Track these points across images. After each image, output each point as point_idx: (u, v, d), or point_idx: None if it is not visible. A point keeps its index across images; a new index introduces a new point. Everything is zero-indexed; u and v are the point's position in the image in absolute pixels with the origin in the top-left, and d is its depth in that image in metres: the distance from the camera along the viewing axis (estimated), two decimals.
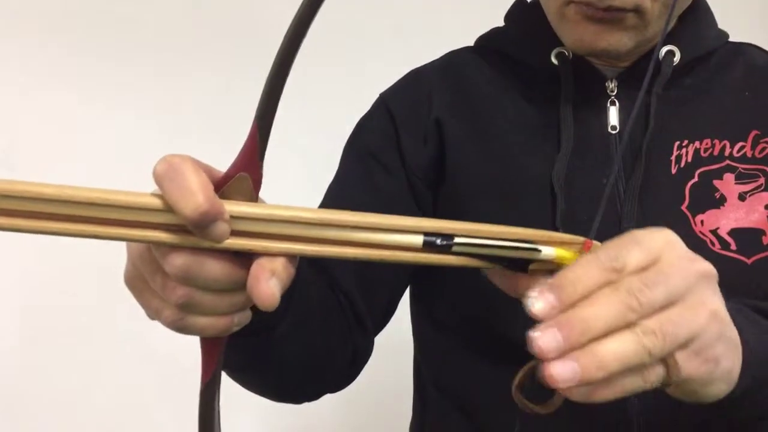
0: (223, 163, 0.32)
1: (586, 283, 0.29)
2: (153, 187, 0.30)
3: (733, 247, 0.47)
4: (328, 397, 0.54)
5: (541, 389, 0.30)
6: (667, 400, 0.35)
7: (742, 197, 0.49)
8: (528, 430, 0.48)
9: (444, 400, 0.55)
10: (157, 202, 0.29)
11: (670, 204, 0.49)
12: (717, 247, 0.48)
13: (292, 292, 0.37)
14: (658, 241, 0.32)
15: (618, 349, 0.28)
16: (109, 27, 1.11)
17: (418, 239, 0.32)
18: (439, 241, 0.32)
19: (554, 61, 0.53)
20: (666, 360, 0.29)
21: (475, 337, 0.52)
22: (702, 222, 0.48)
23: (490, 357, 0.51)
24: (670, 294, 0.30)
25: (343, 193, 0.55)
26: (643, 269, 0.30)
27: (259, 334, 0.40)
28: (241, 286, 0.31)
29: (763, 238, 0.48)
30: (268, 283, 0.30)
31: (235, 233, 0.30)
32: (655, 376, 0.30)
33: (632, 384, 0.29)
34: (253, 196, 0.31)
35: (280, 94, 0.30)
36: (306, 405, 0.53)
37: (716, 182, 0.49)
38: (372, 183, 0.54)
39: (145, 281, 0.32)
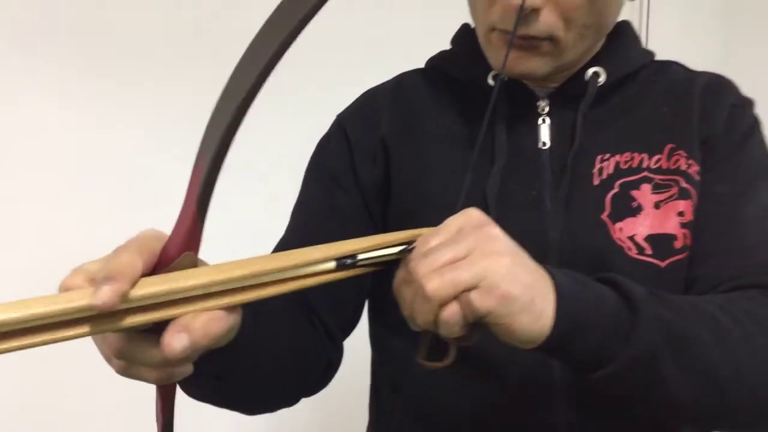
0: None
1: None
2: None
3: (648, 251, 0.52)
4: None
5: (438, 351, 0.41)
6: None
7: (657, 206, 0.54)
8: (462, 396, 0.54)
9: (398, 402, 0.60)
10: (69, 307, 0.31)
11: (591, 213, 0.53)
12: (633, 252, 0.52)
13: (245, 331, 0.41)
14: (457, 219, 0.41)
15: (431, 287, 0.38)
16: (90, 35, 1.15)
17: (332, 264, 0.37)
18: (348, 261, 0.37)
19: (490, 82, 0.58)
20: (459, 299, 0.38)
21: None
22: (621, 229, 0.53)
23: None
24: (458, 252, 0.39)
25: (306, 215, 0.61)
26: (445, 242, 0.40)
27: (216, 376, 0.45)
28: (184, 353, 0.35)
29: (675, 243, 0.53)
30: (173, 338, 0.33)
31: (154, 306, 0.34)
32: (450, 311, 0.38)
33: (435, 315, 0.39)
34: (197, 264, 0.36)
35: (216, 180, 0.34)
36: None
37: (634, 192, 0.54)
38: (331, 203, 0.60)
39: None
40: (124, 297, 0.32)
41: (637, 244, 0.53)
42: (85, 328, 0.32)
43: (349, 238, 0.43)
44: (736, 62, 1.53)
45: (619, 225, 0.53)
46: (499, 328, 0.39)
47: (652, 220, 0.53)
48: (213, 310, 0.35)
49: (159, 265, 0.34)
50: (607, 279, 0.44)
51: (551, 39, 0.51)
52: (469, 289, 0.38)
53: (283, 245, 0.59)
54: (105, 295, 0.31)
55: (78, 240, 1.03)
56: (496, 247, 0.39)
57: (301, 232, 0.59)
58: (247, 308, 0.39)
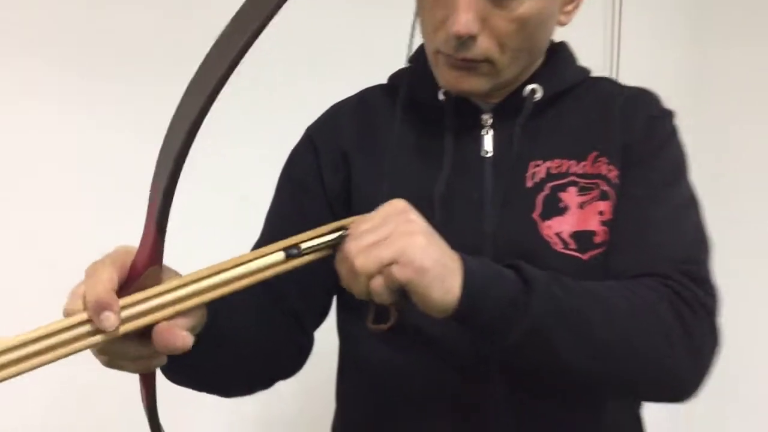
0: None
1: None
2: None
3: (572, 246, 0.60)
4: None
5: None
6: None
7: (581, 206, 0.61)
8: (412, 372, 0.62)
9: (361, 380, 0.68)
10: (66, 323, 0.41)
11: (524, 213, 0.61)
12: (559, 247, 0.60)
13: (212, 325, 0.50)
14: (383, 207, 0.50)
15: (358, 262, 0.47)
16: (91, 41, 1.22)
17: (281, 255, 0.45)
18: (294, 251, 0.45)
19: (441, 97, 0.66)
20: (383, 272, 0.46)
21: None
22: (549, 227, 0.61)
23: (394, 340, 0.64)
24: (381, 234, 0.47)
25: (277, 219, 0.69)
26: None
27: (190, 365, 0.53)
28: (147, 350, 0.44)
29: (596, 238, 0.61)
30: (181, 333, 0.44)
31: (137, 315, 0.43)
32: (376, 282, 0.47)
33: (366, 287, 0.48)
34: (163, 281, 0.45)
35: (171, 201, 0.42)
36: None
37: (561, 194, 0.62)
38: (300, 209, 0.68)
39: None
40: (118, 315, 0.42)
41: (562, 240, 0.60)
42: (86, 342, 0.41)
43: None
44: (705, 63, 1.61)
45: (547, 223, 0.61)
46: (416, 297, 0.48)
47: (577, 218, 0.61)
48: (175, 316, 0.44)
49: (130, 278, 0.43)
50: (512, 264, 0.52)
51: (488, 61, 0.59)
52: (390, 264, 0.46)
53: (256, 248, 0.67)
54: (110, 322, 0.41)
55: (81, 241, 1.12)
56: (413, 228, 0.48)
57: (273, 235, 0.67)
58: (215, 305, 0.47)
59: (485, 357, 0.59)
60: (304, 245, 0.48)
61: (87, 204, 1.20)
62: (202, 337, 0.48)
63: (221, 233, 1.09)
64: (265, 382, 0.66)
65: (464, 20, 0.56)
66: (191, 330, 0.46)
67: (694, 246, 0.60)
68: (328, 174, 0.67)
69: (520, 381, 0.59)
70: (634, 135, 0.63)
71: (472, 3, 0.56)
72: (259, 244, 0.67)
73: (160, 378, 0.53)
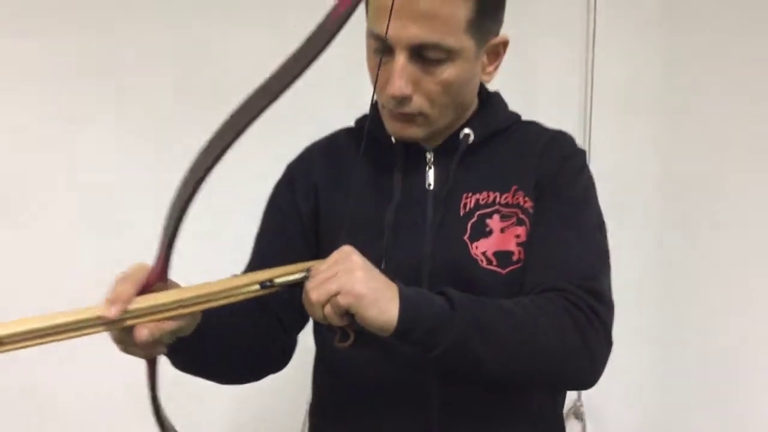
0: None
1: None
2: None
3: (494, 263, 0.74)
4: None
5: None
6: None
7: (502, 230, 0.76)
8: (367, 368, 0.76)
9: (329, 375, 0.84)
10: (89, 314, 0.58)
11: (457, 236, 0.76)
12: (484, 264, 0.75)
13: (202, 332, 0.66)
14: (335, 253, 0.65)
15: (312, 295, 0.63)
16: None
17: (256, 287, 0.62)
18: (268, 284, 0.62)
19: (393, 139, 0.80)
20: (331, 302, 0.61)
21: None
22: (477, 247, 0.75)
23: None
24: (330, 273, 0.63)
25: (263, 241, 0.85)
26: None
27: (191, 356, 0.71)
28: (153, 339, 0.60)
29: (513, 257, 0.75)
30: (139, 331, 0.59)
31: (138, 314, 0.58)
32: (330, 309, 0.62)
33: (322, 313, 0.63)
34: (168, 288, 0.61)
35: (176, 237, 0.57)
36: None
37: (488, 221, 0.76)
38: (281, 230, 0.84)
39: None
40: (123, 311, 0.58)
41: (487, 258, 0.75)
42: (100, 328, 0.58)
43: (295, 257, 0.67)
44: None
45: (475, 244, 0.75)
46: (358, 318, 0.62)
47: (498, 240, 0.75)
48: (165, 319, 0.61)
49: (145, 288, 0.60)
50: (441, 291, 0.66)
51: (422, 114, 0.74)
52: (335, 294, 0.61)
53: (249, 264, 0.83)
54: (112, 311, 0.57)
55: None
56: (353, 266, 0.63)
57: (260, 253, 0.84)
58: (210, 311, 0.63)
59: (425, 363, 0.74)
60: (277, 281, 0.64)
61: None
62: (196, 335, 0.64)
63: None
64: (255, 375, 0.82)
65: (398, 85, 0.71)
66: (178, 331, 0.62)
67: (594, 265, 0.74)
68: (301, 202, 0.82)
69: (451, 379, 0.74)
70: (547, 172, 0.77)
71: (406, 70, 0.70)
72: (250, 261, 0.83)
73: None
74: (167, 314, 0.60)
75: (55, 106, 1.38)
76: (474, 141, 0.79)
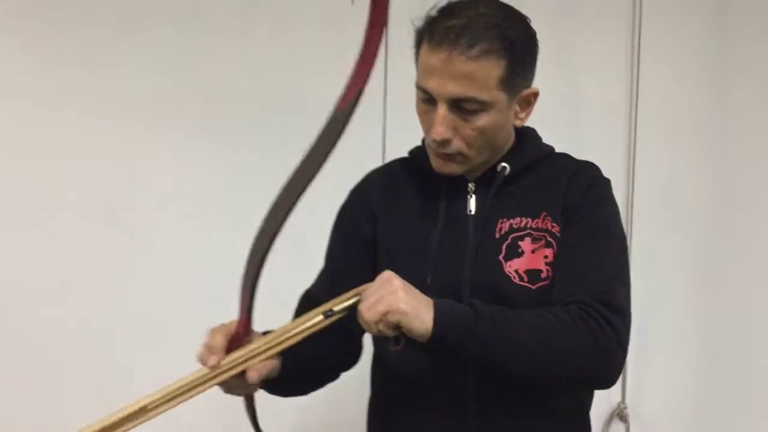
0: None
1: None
2: None
3: (525, 280, 0.86)
4: None
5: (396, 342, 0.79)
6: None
7: (533, 251, 0.87)
8: (416, 367, 0.89)
9: (385, 373, 0.97)
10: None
11: (492, 256, 0.88)
12: (516, 280, 0.86)
13: (287, 364, 0.82)
14: (378, 279, 0.78)
15: (366, 316, 0.76)
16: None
17: (321, 317, 0.77)
18: (329, 313, 0.77)
19: None
20: (382, 319, 0.75)
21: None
22: (510, 266, 0.87)
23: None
24: (377, 296, 0.75)
25: (331, 259, 1.00)
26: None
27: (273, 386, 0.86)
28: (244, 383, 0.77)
29: (542, 274, 0.86)
30: (250, 375, 0.76)
31: (236, 363, 0.75)
32: (382, 325, 0.75)
33: (376, 329, 0.76)
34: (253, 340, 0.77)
35: (254, 298, 0.74)
36: None
37: (520, 243, 0.88)
38: (345, 250, 0.98)
39: None
40: (219, 361, 0.74)
41: (519, 275, 0.86)
42: (213, 382, 0.75)
43: (357, 274, 0.82)
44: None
45: (509, 263, 0.87)
46: (405, 329, 0.75)
47: (529, 260, 0.87)
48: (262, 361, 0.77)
49: (234, 337, 0.76)
50: (469, 303, 0.79)
51: (460, 154, 0.86)
52: (385, 313, 0.74)
53: (317, 281, 0.98)
54: (212, 363, 0.74)
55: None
56: (395, 288, 0.75)
57: (329, 271, 0.99)
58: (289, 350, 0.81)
59: (468, 388, 0.87)
60: (335, 308, 0.79)
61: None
62: (285, 369, 0.82)
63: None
64: (331, 378, 0.99)
65: (439, 131, 0.83)
66: (271, 370, 0.78)
67: (610, 281, 0.84)
68: (362, 226, 0.96)
69: (488, 378, 0.86)
70: (573, 201, 0.88)
71: (446, 118, 0.83)
72: (319, 277, 0.98)
73: None
74: (260, 357, 0.76)
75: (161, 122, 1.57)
76: (509, 173, 0.91)
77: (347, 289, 0.80)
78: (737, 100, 1.73)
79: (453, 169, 0.89)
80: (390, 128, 1.57)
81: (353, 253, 0.96)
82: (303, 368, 0.89)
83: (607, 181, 0.92)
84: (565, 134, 1.65)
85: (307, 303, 0.91)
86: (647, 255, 1.70)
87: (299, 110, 1.58)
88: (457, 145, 0.85)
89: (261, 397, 0.88)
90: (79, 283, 1.54)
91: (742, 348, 1.73)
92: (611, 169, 1.66)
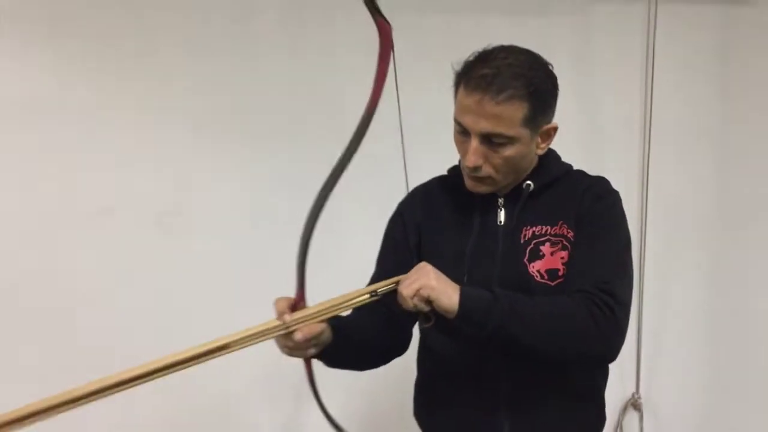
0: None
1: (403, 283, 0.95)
2: None
3: (545, 278, 1.03)
4: None
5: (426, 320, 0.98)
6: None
7: (552, 254, 1.04)
8: (454, 349, 1.07)
9: (427, 353, 1.15)
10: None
11: (518, 258, 1.05)
12: (538, 278, 1.03)
13: (340, 336, 0.99)
14: (415, 267, 0.96)
15: (404, 292, 0.94)
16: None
17: (367, 296, 0.96)
18: (375, 293, 0.96)
19: None
20: (416, 294, 0.92)
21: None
22: (533, 267, 1.04)
23: (444, 337, 1.10)
24: (413, 279, 0.94)
25: (383, 261, 1.17)
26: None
27: (328, 357, 1.02)
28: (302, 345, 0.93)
29: (559, 272, 1.03)
30: (299, 336, 0.91)
31: (297, 322, 0.90)
32: (416, 300, 0.93)
33: (412, 304, 0.94)
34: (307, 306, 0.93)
35: (305, 273, 0.93)
36: None
37: (541, 247, 1.05)
38: (395, 256, 1.14)
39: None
40: (288, 320, 0.90)
41: (540, 274, 1.04)
42: (280, 331, 0.90)
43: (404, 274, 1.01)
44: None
45: (532, 264, 1.05)
46: (435, 304, 0.92)
47: (549, 261, 1.04)
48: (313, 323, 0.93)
49: (292, 306, 0.93)
50: (490, 289, 0.96)
51: (489, 177, 1.04)
52: (419, 289, 0.92)
53: (372, 279, 1.15)
54: (285, 318, 0.90)
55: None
56: (428, 271, 0.94)
57: (380, 272, 1.15)
58: (346, 322, 0.99)
59: (499, 365, 1.04)
60: (379, 291, 0.97)
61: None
62: (337, 341, 0.99)
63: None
64: (384, 361, 1.15)
65: (472, 159, 1.01)
66: (320, 335, 0.93)
67: (612, 274, 0.99)
68: (410, 235, 1.14)
69: (515, 357, 1.02)
70: (584, 209, 1.04)
71: (478, 149, 1.00)
72: (373, 277, 1.15)
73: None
74: (315, 320, 0.93)
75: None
76: (533, 190, 1.08)
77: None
78: (742, 117, 1.88)
79: (483, 189, 1.06)
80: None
81: (401, 258, 1.13)
82: (356, 348, 1.07)
83: (616, 192, 1.08)
84: (586, 149, 1.84)
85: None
86: (660, 259, 1.86)
87: (338, 122, 1.77)
88: (487, 170, 1.02)
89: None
90: (132, 279, 1.73)
91: (748, 342, 1.88)
92: (626, 181, 1.87)
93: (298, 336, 0.91)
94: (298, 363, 1.00)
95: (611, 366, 1.12)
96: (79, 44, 1.70)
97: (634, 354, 1.86)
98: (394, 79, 0.99)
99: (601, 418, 1.12)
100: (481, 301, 0.94)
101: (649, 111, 1.86)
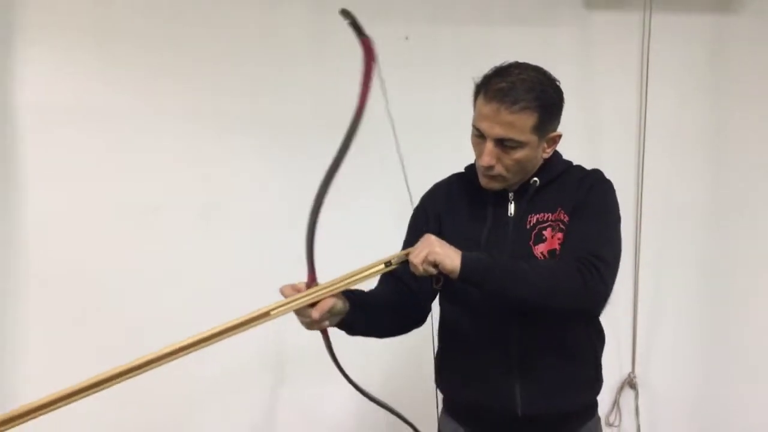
0: None
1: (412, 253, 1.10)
2: None
3: (547, 257, 1.19)
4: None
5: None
6: (533, 323, 1.15)
7: (552, 236, 1.20)
8: (467, 319, 1.24)
9: (445, 327, 1.31)
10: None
11: (525, 242, 1.20)
12: (541, 259, 1.20)
13: (356, 306, 1.14)
14: (421, 239, 1.12)
15: (414, 260, 1.09)
16: None
17: (382, 266, 1.11)
18: (389, 263, 1.12)
19: None
20: (426, 260, 1.07)
21: (452, 292, 1.28)
22: (537, 249, 1.19)
23: (461, 309, 1.26)
24: (421, 248, 1.09)
25: (407, 244, 1.29)
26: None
27: (348, 326, 1.16)
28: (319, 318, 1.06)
29: (556, 252, 1.18)
30: (314, 314, 1.05)
31: (313, 294, 1.04)
32: (423, 266, 1.08)
33: (421, 269, 1.09)
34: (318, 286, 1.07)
35: (313, 256, 1.08)
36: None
37: (543, 231, 1.20)
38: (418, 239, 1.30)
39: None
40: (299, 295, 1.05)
41: (543, 255, 1.19)
42: (297, 303, 1.05)
43: None
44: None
45: (536, 247, 1.20)
46: (441, 267, 1.06)
47: (549, 243, 1.19)
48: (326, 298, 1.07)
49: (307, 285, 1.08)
50: (488, 253, 1.12)
51: (501, 176, 1.19)
52: (426, 256, 1.06)
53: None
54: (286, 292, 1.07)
55: None
56: (432, 241, 1.08)
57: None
58: (370, 297, 1.16)
59: (505, 314, 1.20)
60: (393, 261, 1.12)
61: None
62: (355, 312, 1.13)
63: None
64: (401, 331, 1.30)
65: (486, 160, 1.16)
66: (335, 308, 1.07)
67: (600, 243, 1.13)
68: (431, 224, 1.29)
69: (525, 326, 1.19)
70: (579, 196, 1.19)
71: (492, 151, 1.15)
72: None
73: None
74: (330, 291, 1.06)
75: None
76: (539, 185, 1.24)
77: None
78: (732, 117, 2.04)
79: (495, 186, 1.21)
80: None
81: None
82: (374, 319, 1.19)
83: (609, 181, 1.23)
84: (585, 148, 1.99)
85: (388, 275, 1.24)
86: (655, 247, 2.02)
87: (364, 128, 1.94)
88: (499, 170, 1.17)
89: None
90: (179, 272, 1.91)
91: (739, 324, 2.04)
92: (623, 178, 2.05)
93: (314, 314, 1.05)
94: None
95: (608, 347, 1.29)
96: (125, 53, 1.88)
97: (630, 335, 2.02)
98: (389, 85, 1.11)
99: (599, 380, 1.28)
100: (480, 261, 1.10)
101: (643, 112, 2.02)
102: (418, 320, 1.32)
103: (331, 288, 1.07)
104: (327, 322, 1.10)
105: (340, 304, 1.11)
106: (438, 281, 1.16)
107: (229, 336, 0.99)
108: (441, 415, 1.35)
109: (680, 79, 2.04)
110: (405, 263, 1.13)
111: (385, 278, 1.26)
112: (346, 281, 1.09)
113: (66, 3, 1.85)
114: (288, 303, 1.05)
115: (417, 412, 1.34)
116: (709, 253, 2.05)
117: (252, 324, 1.01)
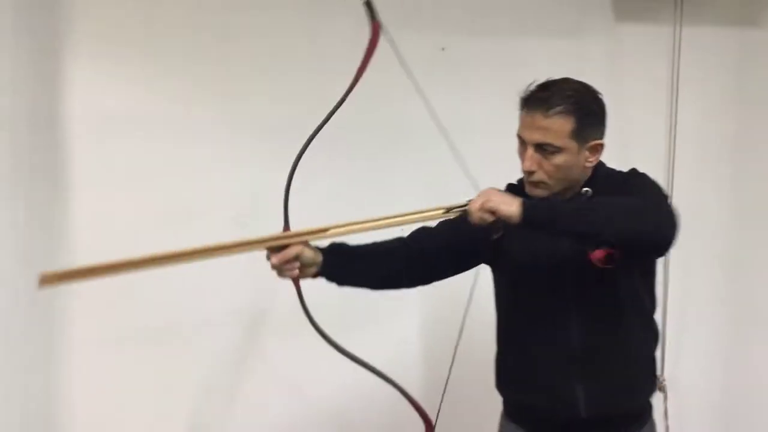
0: None
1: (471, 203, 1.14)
2: None
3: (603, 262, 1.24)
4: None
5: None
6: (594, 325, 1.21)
7: None
8: (524, 313, 1.29)
9: (504, 329, 1.36)
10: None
11: (581, 250, 1.22)
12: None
13: (332, 255, 1.22)
14: (480, 191, 1.15)
15: (470, 208, 1.14)
16: None
17: (442, 210, 1.18)
18: (449, 210, 1.17)
19: None
20: (482, 207, 1.11)
21: (511, 294, 1.33)
22: (595, 255, 1.20)
23: (515, 297, 1.31)
24: (480, 197, 1.12)
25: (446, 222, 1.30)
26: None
27: (328, 276, 1.23)
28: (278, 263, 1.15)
29: (613, 259, 1.24)
30: (278, 261, 1.16)
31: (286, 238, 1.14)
32: (481, 213, 1.11)
33: (480, 216, 1.13)
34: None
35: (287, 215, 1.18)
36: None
37: None
38: (457, 227, 1.31)
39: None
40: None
41: (600, 261, 1.20)
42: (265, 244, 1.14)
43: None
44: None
45: (593, 254, 1.22)
46: (499, 213, 1.08)
47: (606, 250, 1.22)
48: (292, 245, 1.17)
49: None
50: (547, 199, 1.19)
51: (543, 182, 1.23)
52: (484, 203, 1.09)
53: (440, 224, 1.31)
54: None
55: None
56: (490, 190, 1.12)
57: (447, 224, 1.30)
58: (340, 247, 1.23)
59: (564, 296, 1.24)
60: (452, 209, 1.17)
61: None
62: (331, 261, 1.20)
63: None
64: (398, 281, 1.32)
65: (527, 165, 1.20)
66: (302, 255, 1.15)
67: (663, 198, 1.19)
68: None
69: (584, 327, 1.23)
70: (623, 189, 1.22)
71: (533, 156, 1.20)
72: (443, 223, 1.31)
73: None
74: (353, 230, 1.16)
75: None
76: (590, 195, 1.24)
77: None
78: (758, 126, 2.09)
79: (539, 193, 1.23)
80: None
81: (459, 233, 1.29)
82: (363, 269, 1.27)
83: (644, 173, 1.25)
84: (615, 160, 2.00)
85: (422, 230, 1.32)
86: (683, 255, 2.06)
87: (397, 136, 1.99)
88: (541, 176, 1.21)
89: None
90: (217, 276, 1.88)
91: (765, 326, 2.08)
92: None
93: (274, 260, 1.14)
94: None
95: None
96: (171, 64, 1.94)
97: (659, 339, 2.06)
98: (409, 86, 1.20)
99: (655, 381, 1.33)
100: (542, 202, 1.15)
101: (673, 124, 2.07)
102: (416, 281, 1.35)
103: (304, 235, 1.14)
104: (296, 271, 1.16)
105: (310, 253, 1.17)
106: (498, 230, 1.19)
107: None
108: (501, 418, 1.39)
109: (708, 91, 2.09)
110: (464, 213, 1.16)
111: (425, 231, 1.31)
112: (404, 217, 1.16)
113: (114, 15, 1.90)
114: (253, 241, 1.13)
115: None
116: (736, 258, 2.10)
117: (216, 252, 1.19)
